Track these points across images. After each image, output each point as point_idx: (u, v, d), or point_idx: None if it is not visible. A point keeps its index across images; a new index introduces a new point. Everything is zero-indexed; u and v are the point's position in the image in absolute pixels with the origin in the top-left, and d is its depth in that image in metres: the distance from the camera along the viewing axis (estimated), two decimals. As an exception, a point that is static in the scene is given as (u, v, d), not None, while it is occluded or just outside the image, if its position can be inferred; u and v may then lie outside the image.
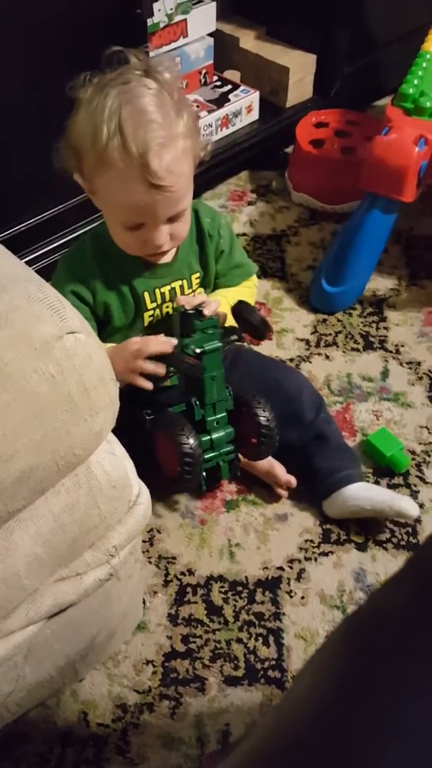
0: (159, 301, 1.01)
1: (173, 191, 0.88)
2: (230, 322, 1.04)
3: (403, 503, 1.02)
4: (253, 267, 1.13)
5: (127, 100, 0.85)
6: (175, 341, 0.96)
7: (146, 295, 0.99)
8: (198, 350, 0.95)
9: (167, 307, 1.02)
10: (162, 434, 0.98)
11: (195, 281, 1.03)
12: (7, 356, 0.53)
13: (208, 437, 1.00)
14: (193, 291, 1.03)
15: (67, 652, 0.79)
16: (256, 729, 0.45)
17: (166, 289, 1.00)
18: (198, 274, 1.03)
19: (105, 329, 1.01)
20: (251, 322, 1.00)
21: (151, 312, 1.01)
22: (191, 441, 0.94)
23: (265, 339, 1.03)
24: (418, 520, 1.06)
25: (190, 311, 0.96)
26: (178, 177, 0.88)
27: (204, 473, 1.01)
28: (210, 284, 1.07)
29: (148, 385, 0.95)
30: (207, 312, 0.96)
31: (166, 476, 1.00)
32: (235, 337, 1.00)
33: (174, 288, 1.01)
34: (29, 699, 0.80)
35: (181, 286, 1.02)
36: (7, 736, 0.85)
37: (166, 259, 1.00)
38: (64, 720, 0.88)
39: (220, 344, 0.96)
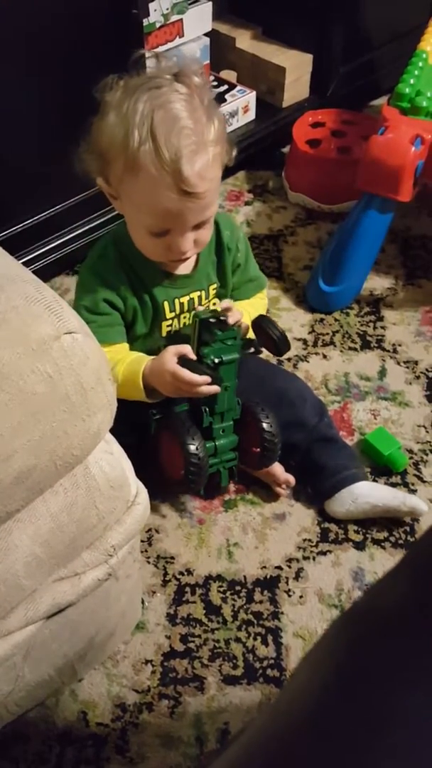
0: (178, 311, 1.01)
1: (204, 198, 0.87)
2: (250, 334, 1.03)
3: (416, 500, 1.04)
4: (265, 281, 1.13)
5: (159, 105, 0.84)
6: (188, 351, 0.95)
7: (166, 304, 0.99)
8: (216, 360, 0.94)
9: (185, 317, 1.01)
10: (168, 436, 0.98)
11: (212, 292, 1.03)
12: (5, 356, 0.53)
13: (213, 444, 1.00)
14: (210, 301, 1.03)
15: (65, 652, 0.79)
16: (253, 722, 0.45)
17: (185, 300, 1.00)
18: (215, 285, 1.03)
19: (127, 336, 1.01)
20: (271, 336, 0.99)
21: (169, 321, 1.01)
22: (198, 446, 0.95)
23: (284, 355, 1.01)
24: (415, 519, 1.06)
25: (211, 320, 0.95)
26: (209, 183, 0.87)
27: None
28: (227, 296, 1.06)
29: (212, 389, 0.94)
30: (231, 320, 0.95)
31: (170, 478, 1.00)
32: (253, 349, 1.00)
33: (192, 298, 1.01)
34: (28, 699, 0.81)
35: (200, 297, 1.02)
36: (6, 735, 0.85)
37: (186, 269, 0.99)
38: (63, 720, 0.88)
39: (238, 356, 0.96)
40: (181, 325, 1.02)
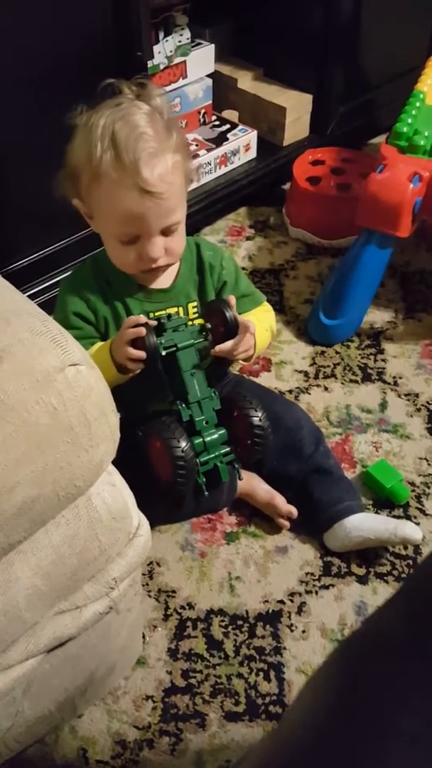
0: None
1: (165, 198, 0.90)
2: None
3: (407, 529, 1.03)
4: (262, 297, 1.13)
5: (119, 117, 0.90)
6: (143, 318, 0.95)
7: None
8: (168, 347, 0.94)
9: None
10: (153, 439, 0.97)
11: (191, 309, 1.04)
12: (10, 388, 0.53)
13: (201, 439, 0.98)
14: (190, 319, 1.04)
15: (66, 687, 0.78)
16: (255, 749, 0.45)
17: (161, 314, 1.02)
18: (195, 303, 1.05)
19: None
20: (225, 316, 0.97)
21: None
22: (182, 442, 0.94)
23: (234, 337, 0.98)
24: (418, 552, 1.06)
25: (161, 320, 0.97)
26: (169, 185, 0.91)
27: (204, 477, 0.99)
28: None
29: (140, 354, 0.93)
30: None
31: (162, 482, 0.98)
32: (207, 333, 0.99)
33: (169, 314, 1.02)
34: (28, 735, 0.79)
35: (176, 313, 1.03)
36: (4, 774, 0.84)
37: (164, 284, 1.01)
38: (63, 757, 0.87)
39: (193, 341, 0.96)
40: None
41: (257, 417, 0.98)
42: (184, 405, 0.98)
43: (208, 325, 0.99)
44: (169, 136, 0.91)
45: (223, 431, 1.00)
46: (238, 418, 1.00)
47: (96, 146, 0.89)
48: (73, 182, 0.94)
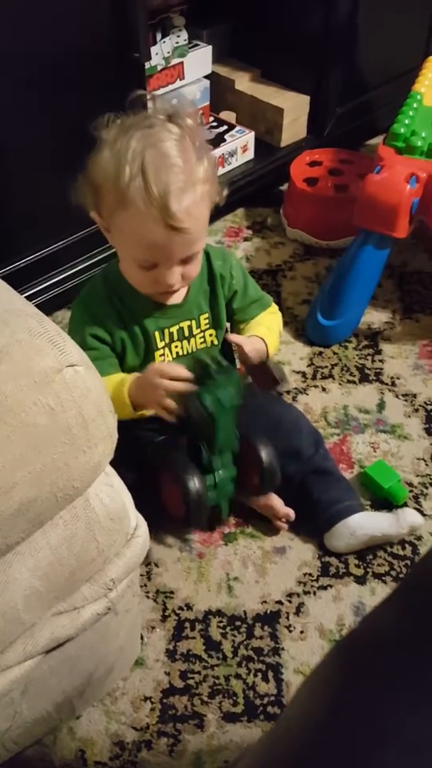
0: (167, 340, 1.02)
1: (190, 233, 0.89)
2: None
3: (408, 516, 1.05)
4: (270, 299, 1.13)
5: (151, 143, 0.87)
6: (185, 372, 0.94)
7: (156, 334, 1.01)
8: (213, 407, 0.93)
9: (176, 346, 1.03)
10: (168, 477, 0.98)
11: (204, 321, 1.04)
12: (8, 389, 0.53)
13: (212, 477, 0.99)
14: (202, 331, 1.04)
15: (64, 688, 0.78)
16: (251, 748, 0.45)
17: (174, 329, 1.02)
18: (206, 315, 1.04)
19: (121, 369, 1.01)
20: (274, 377, 0.98)
21: (161, 351, 1.02)
22: (197, 485, 0.94)
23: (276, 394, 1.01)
24: (416, 552, 1.06)
25: (210, 364, 0.95)
26: (196, 220, 0.90)
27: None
28: (221, 325, 1.07)
29: (169, 417, 0.94)
30: (241, 357, 0.98)
31: (172, 516, 1.00)
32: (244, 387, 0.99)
33: (182, 327, 1.02)
34: (26, 736, 0.79)
35: (189, 327, 1.03)
36: (2, 775, 0.84)
37: (176, 300, 1.01)
38: (61, 758, 0.87)
39: (237, 402, 0.95)
40: (174, 355, 1.03)
41: (266, 455, 0.98)
42: (206, 448, 0.98)
43: (249, 379, 1.00)
44: (199, 164, 0.89)
45: (233, 469, 1.01)
46: (248, 454, 1.00)
47: (124, 170, 0.86)
48: (93, 197, 0.92)
